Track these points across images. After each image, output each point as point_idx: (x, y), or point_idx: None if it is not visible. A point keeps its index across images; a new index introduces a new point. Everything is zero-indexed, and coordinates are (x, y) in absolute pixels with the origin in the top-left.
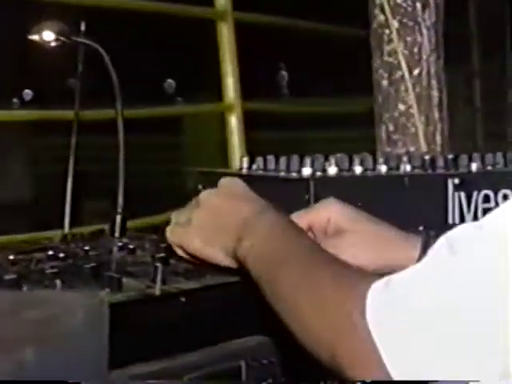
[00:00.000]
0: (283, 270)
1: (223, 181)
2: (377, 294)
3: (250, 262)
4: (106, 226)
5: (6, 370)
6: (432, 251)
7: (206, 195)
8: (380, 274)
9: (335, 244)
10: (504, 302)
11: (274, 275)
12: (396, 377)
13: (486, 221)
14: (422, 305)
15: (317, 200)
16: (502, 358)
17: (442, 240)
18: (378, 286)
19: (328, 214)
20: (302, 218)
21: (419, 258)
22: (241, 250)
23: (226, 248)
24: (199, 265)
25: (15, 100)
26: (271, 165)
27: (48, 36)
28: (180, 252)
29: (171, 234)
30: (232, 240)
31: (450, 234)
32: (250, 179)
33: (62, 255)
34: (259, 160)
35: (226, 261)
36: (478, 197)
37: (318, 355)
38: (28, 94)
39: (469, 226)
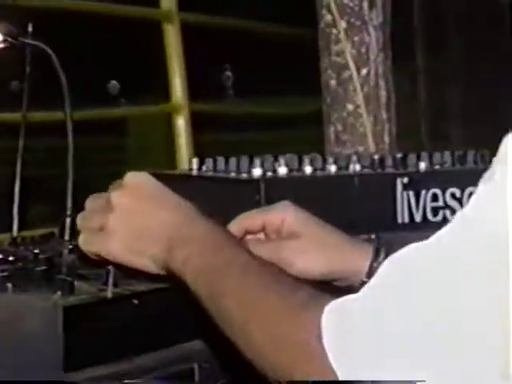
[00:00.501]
0: (227, 290)
1: (130, 177)
2: (332, 319)
3: (187, 276)
4: (56, 229)
5: None
6: (383, 269)
7: (116, 197)
8: (331, 279)
9: (288, 246)
10: (454, 317)
11: (218, 296)
12: None
13: (433, 239)
14: (378, 327)
15: (267, 201)
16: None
17: (392, 259)
18: (332, 309)
19: (283, 216)
20: (256, 218)
21: (370, 265)
22: (174, 262)
23: (155, 258)
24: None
25: None
26: (221, 166)
27: None
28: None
29: (85, 244)
30: (161, 250)
31: (399, 253)
32: (200, 180)
33: (11, 259)
34: (209, 161)
35: (156, 270)
36: (426, 196)
37: (273, 377)
38: None
39: (417, 245)
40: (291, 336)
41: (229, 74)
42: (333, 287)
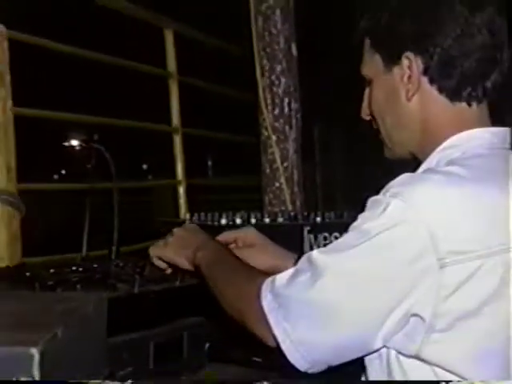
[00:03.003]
0: (219, 272)
1: (185, 224)
2: (267, 284)
3: (201, 266)
4: (107, 251)
5: (45, 341)
6: (300, 261)
7: (176, 230)
8: (272, 272)
9: (249, 251)
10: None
11: (214, 275)
12: (279, 335)
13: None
14: (291, 291)
15: None
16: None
17: (306, 255)
18: (269, 279)
19: (246, 233)
20: (230, 235)
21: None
22: (196, 259)
23: (188, 258)
24: (170, 269)
25: (55, 176)
26: (203, 218)
27: (74, 142)
28: (157, 261)
29: (152, 250)
30: (192, 253)
31: (310, 252)
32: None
33: (81, 269)
34: (196, 215)
35: (187, 266)
36: (320, 237)
37: (236, 320)
38: (62, 173)
39: (321, 248)
40: (247, 293)
41: (210, 163)
42: None
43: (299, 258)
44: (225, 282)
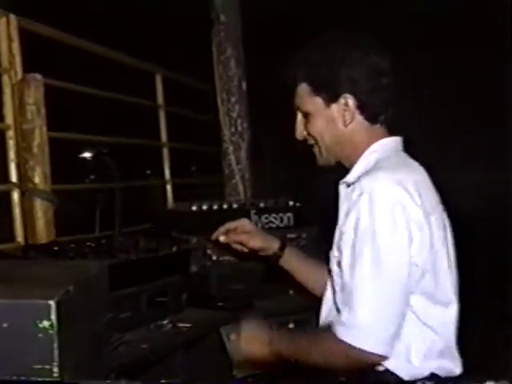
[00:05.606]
0: (298, 350)
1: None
2: (336, 330)
3: (282, 352)
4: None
5: (60, 295)
6: (343, 294)
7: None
8: (261, 251)
9: (245, 236)
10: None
11: (296, 353)
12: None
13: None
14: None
15: (200, 217)
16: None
17: (347, 284)
18: (332, 332)
19: (243, 223)
20: (232, 224)
21: (280, 246)
22: (273, 350)
23: (265, 352)
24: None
25: (87, 180)
26: (180, 206)
27: (88, 155)
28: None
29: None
30: (268, 348)
31: (345, 282)
32: (176, 212)
33: (93, 245)
34: (176, 204)
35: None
36: (262, 217)
37: (333, 369)
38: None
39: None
40: (327, 349)
41: (194, 168)
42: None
43: (282, 241)
44: (307, 352)
